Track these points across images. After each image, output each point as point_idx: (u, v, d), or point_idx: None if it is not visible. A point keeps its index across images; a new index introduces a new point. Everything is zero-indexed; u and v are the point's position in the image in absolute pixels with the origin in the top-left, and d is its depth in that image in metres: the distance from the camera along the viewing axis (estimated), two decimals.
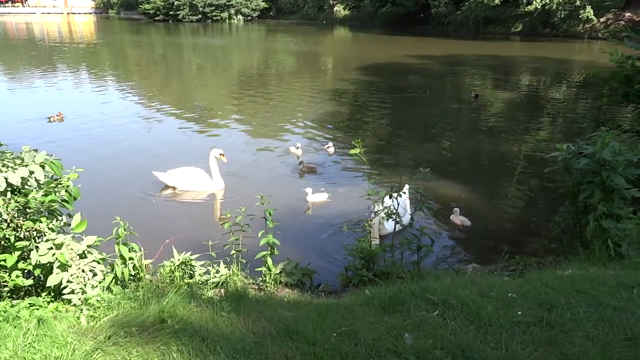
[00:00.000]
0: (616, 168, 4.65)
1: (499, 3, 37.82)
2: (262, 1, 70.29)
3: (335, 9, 64.31)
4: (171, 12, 66.19)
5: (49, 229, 3.87)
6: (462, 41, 36.89)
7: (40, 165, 4.07)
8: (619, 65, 6.97)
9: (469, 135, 12.20)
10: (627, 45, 7.28)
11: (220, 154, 8.34)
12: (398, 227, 5.27)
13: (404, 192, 6.45)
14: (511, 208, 7.76)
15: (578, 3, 35.12)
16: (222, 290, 4.50)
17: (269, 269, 4.84)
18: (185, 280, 4.66)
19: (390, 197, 5.04)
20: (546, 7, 36.43)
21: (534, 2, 36.55)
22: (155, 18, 67.49)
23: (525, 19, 40.76)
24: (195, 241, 5.44)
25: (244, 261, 4.87)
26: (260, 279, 4.92)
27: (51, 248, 3.77)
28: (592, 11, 35.51)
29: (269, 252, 4.84)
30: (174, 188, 8.23)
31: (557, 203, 5.76)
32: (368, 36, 43.98)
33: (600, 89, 14.52)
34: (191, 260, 4.80)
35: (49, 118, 13.12)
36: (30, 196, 3.89)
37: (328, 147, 10.30)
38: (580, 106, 15.80)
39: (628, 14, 35.28)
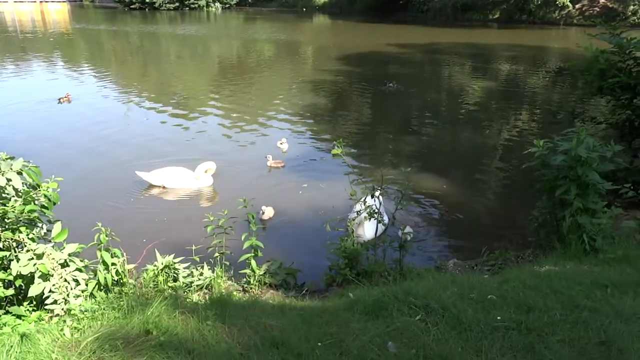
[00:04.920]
0: (591, 164, 4.77)
1: None
2: None
3: None
4: (147, 0, 64.82)
5: (29, 238, 3.83)
6: (441, 28, 36.99)
7: (17, 173, 4.01)
8: (593, 59, 7.10)
9: (447, 125, 12.33)
10: (600, 39, 7.40)
11: (206, 170, 8.25)
12: (380, 229, 5.34)
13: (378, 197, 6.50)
14: (490, 200, 7.90)
15: None
16: (207, 294, 4.51)
17: (253, 271, 4.87)
18: (169, 284, 4.66)
19: (372, 196, 5.09)
20: None
21: None
22: (131, 6, 65.87)
23: (502, 6, 41.05)
24: (179, 243, 5.43)
25: (228, 263, 4.89)
26: (245, 280, 4.94)
27: (32, 258, 3.73)
28: None
29: (253, 254, 4.86)
30: (159, 187, 8.15)
31: (534, 196, 5.89)
32: (347, 24, 43.79)
33: (576, 79, 14.77)
34: (174, 263, 4.79)
35: (59, 99, 13.93)
36: (9, 205, 3.83)
37: (281, 143, 10.13)
38: (556, 95, 16.06)
39: (602, 0, 35.77)
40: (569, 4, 36.09)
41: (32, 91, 16.10)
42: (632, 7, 33.63)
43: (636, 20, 31.78)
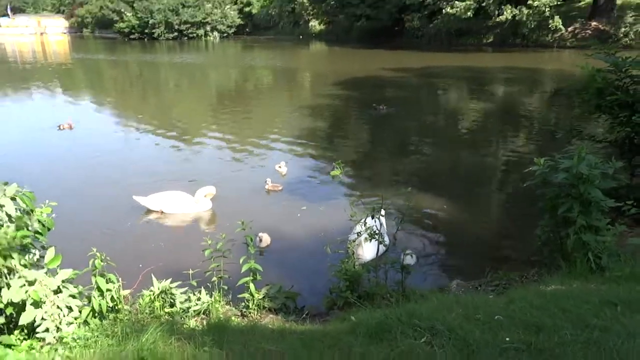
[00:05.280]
0: (593, 181, 4.71)
1: (471, 15, 38.59)
2: (238, 18, 70.43)
3: (310, 24, 64.70)
4: (146, 31, 65.79)
5: (22, 265, 3.73)
6: (436, 53, 37.45)
7: (11, 198, 3.94)
8: (590, 78, 7.12)
9: (446, 147, 12.31)
10: (596, 58, 7.45)
11: (206, 194, 8.18)
12: (381, 250, 5.25)
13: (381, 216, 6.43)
14: (492, 220, 7.81)
15: (547, 13, 36.06)
16: (204, 320, 4.39)
17: (252, 295, 4.75)
18: (166, 310, 4.54)
19: (373, 217, 5.01)
20: (516, 18, 37.33)
21: (505, 13, 37.44)
22: (131, 36, 66.99)
23: (496, 30, 41.63)
24: (176, 268, 5.32)
25: (226, 287, 4.77)
26: (243, 304, 4.82)
27: (23, 285, 3.63)
28: (560, 21, 36.49)
29: (252, 277, 4.75)
30: (158, 212, 8.06)
31: (537, 215, 5.81)
32: (344, 50, 44.35)
33: (572, 99, 14.85)
34: (171, 288, 4.68)
35: (59, 126, 13.96)
36: (1, 231, 3.74)
37: (280, 167, 10.05)
38: (553, 116, 16.12)
39: (594, 23, 36.32)
40: (561, 27, 36.60)
41: (32, 119, 16.23)
42: (623, 29, 34.11)
43: (628, 41, 32.16)
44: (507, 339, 2.79)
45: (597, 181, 4.73)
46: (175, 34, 65.41)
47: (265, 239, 6.82)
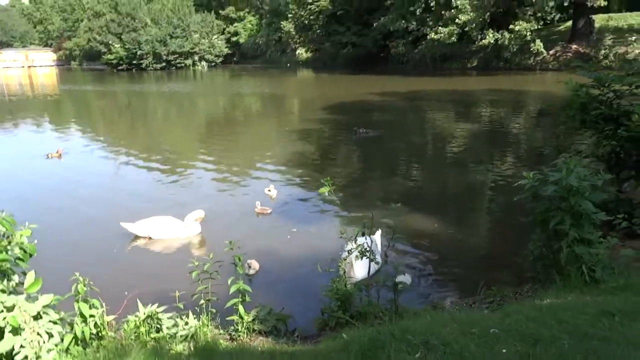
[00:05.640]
0: (583, 193, 4.69)
1: (455, 40, 39.38)
2: (225, 47, 71.27)
3: (297, 52, 65.67)
4: (134, 62, 66.34)
5: (0, 290, 3.59)
6: (421, 77, 38.03)
7: None
8: (574, 93, 7.21)
9: (436, 168, 12.34)
10: (580, 74, 7.56)
11: (196, 219, 8.07)
12: (372, 268, 5.16)
13: (375, 237, 6.36)
14: (484, 237, 7.76)
15: (528, 37, 36.92)
16: (192, 345, 4.23)
17: (241, 317, 4.61)
18: (152, 335, 4.38)
19: (363, 234, 4.94)
20: (499, 42, 38.15)
21: (487, 38, 38.27)
22: (119, 67, 67.46)
23: (479, 54, 42.53)
24: (162, 292, 5.17)
25: (214, 310, 4.63)
26: (232, 328, 4.67)
27: (2, 311, 3.48)
28: (541, 44, 37.36)
29: (240, 299, 4.61)
30: (145, 238, 7.91)
31: (528, 230, 5.77)
32: (331, 77, 44.89)
33: (557, 116, 15.06)
34: (157, 313, 4.52)
35: (48, 155, 13.88)
36: None
37: (269, 190, 9.99)
38: (539, 134, 16.30)
39: (574, 46, 37.23)
40: (543, 50, 37.45)
41: (20, 149, 16.10)
42: (602, 51, 34.99)
43: (608, 63, 32.91)
44: (504, 350, 2.70)
45: (587, 193, 4.71)
46: (163, 64, 65.97)
47: (254, 265, 6.66)
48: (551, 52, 38.33)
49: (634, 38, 34.58)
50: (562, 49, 38.08)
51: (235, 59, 74.23)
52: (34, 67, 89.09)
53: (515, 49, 38.51)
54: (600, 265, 4.62)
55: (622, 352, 2.64)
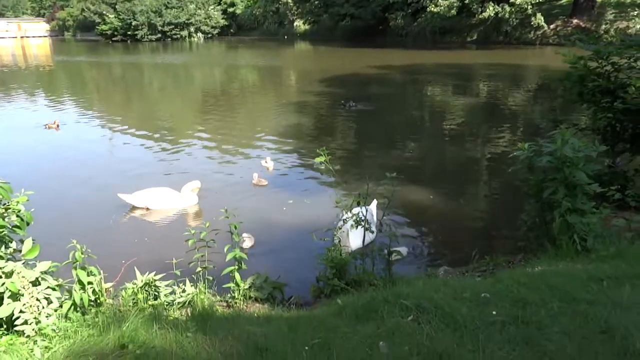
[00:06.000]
0: (577, 164, 4.72)
1: (455, 13, 38.84)
2: (222, 18, 70.08)
3: (295, 24, 64.69)
4: (129, 32, 65.17)
5: None
6: (420, 51, 37.62)
7: None
8: (572, 65, 7.17)
9: (432, 140, 12.34)
10: (578, 46, 7.50)
11: (193, 189, 8.09)
12: (367, 238, 5.21)
13: (370, 207, 6.40)
14: (478, 209, 7.82)
15: (529, 11, 36.42)
16: (189, 310, 4.30)
17: (238, 285, 4.67)
18: (150, 302, 4.44)
19: (359, 204, 4.97)
20: (499, 15, 37.66)
21: (487, 11, 37.74)
22: (113, 38, 66.33)
23: (479, 28, 42.00)
24: (160, 261, 5.22)
25: (211, 278, 4.68)
26: (229, 295, 4.74)
27: (0, 277, 3.52)
28: (542, 18, 36.88)
29: (237, 267, 4.67)
30: (143, 209, 7.94)
31: (522, 201, 5.82)
32: (329, 49, 44.35)
33: (556, 91, 15.00)
34: (155, 280, 4.58)
35: (46, 125, 13.93)
36: None
37: (266, 162, 9.98)
38: (537, 108, 16.26)
39: (575, 20, 36.78)
40: (543, 24, 37.00)
41: (15, 120, 15.94)
42: (603, 26, 34.59)
43: (608, 38, 32.56)
44: (494, 312, 2.77)
45: (581, 164, 4.74)
46: (159, 35, 64.90)
47: (249, 240, 6.67)
48: (552, 26, 37.86)
49: (635, 13, 34.13)
50: (563, 24, 37.62)
51: (231, 30, 73.00)
52: (26, 38, 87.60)
53: (515, 23, 38.04)
54: (592, 235, 4.68)
55: (609, 313, 2.71)
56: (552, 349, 2.38)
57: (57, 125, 14.04)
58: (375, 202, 6.86)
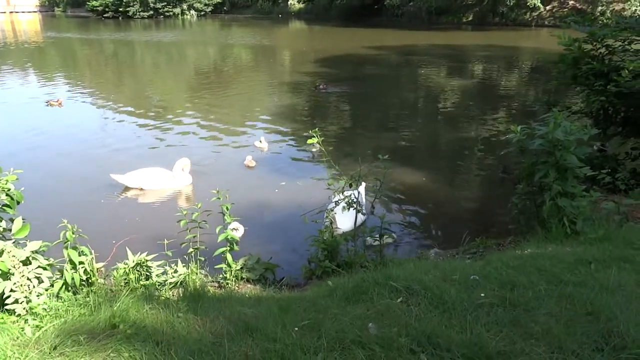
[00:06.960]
0: (568, 147, 4.73)
1: None
2: None
3: (289, 2, 63.80)
4: (121, 9, 63.97)
5: None
6: (416, 31, 37.32)
7: None
8: (566, 47, 7.13)
9: (426, 122, 12.33)
10: (574, 28, 7.46)
11: (183, 167, 8.04)
12: (359, 219, 5.23)
13: (361, 189, 6.40)
14: (470, 191, 7.87)
15: None
16: (181, 291, 4.32)
17: (229, 266, 4.69)
18: (141, 283, 4.46)
19: (350, 186, 4.98)
20: None
21: None
22: (105, 15, 65.14)
23: (475, 9, 41.69)
24: (152, 241, 5.22)
25: (203, 259, 4.70)
26: (221, 276, 4.76)
27: None
28: None
29: (228, 247, 4.68)
30: (136, 189, 7.90)
31: (514, 184, 5.85)
32: (323, 28, 43.87)
33: (550, 73, 14.97)
34: (147, 260, 4.59)
35: (48, 102, 13.96)
36: None
37: (260, 142, 9.91)
38: (531, 90, 16.25)
39: (571, 1, 36.60)
40: (540, 5, 36.80)
41: (7, 97, 15.74)
42: (600, 7, 34.44)
43: (604, 20, 32.44)
44: (482, 294, 2.80)
45: (572, 147, 4.75)
46: (151, 12, 63.78)
47: (239, 229, 6.57)
48: (548, 7, 37.68)
49: None
50: (559, 5, 37.44)
51: (225, 8, 71.85)
52: (15, 13, 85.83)
53: (511, 4, 37.77)
54: (582, 218, 4.72)
55: (595, 295, 2.75)
56: (539, 330, 2.42)
57: (60, 103, 13.94)
58: (364, 184, 6.87)
